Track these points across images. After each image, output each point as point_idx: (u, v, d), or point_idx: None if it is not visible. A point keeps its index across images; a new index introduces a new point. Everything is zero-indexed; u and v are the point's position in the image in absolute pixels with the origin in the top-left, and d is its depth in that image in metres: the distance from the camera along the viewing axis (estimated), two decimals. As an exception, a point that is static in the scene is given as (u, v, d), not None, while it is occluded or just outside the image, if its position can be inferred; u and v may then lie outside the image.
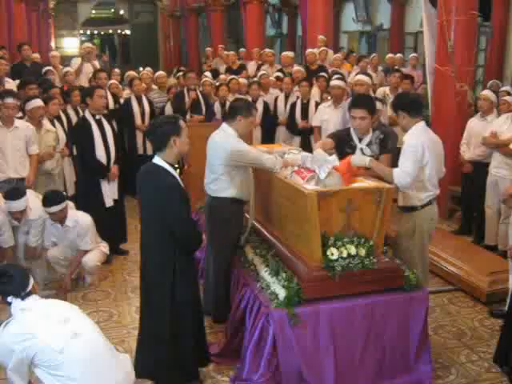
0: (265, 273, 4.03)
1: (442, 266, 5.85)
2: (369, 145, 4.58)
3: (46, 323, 3.12)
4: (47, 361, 3.06)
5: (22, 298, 3.19)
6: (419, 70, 10.67)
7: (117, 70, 10.36)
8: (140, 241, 3.84)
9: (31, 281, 3.30)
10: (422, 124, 4.39)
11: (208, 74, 10.24)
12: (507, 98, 6.64)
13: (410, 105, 4.41)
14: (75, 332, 3.16)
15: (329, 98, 7.43)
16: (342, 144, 4.64)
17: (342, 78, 7.96)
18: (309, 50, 10.33)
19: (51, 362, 3.06)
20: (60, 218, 5.36)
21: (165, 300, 3.69)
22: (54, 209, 5.24)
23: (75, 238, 5.48)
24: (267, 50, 11.96)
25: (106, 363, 3.27)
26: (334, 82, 7.37)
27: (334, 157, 4.05)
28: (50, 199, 5.28)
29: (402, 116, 4.40)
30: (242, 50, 13.02)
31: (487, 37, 11.72)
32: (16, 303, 3.17)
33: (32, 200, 5.33)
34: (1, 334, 3.11)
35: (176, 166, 3.81)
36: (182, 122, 3.65)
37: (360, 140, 4.61)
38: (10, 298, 3.16)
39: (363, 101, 4.65)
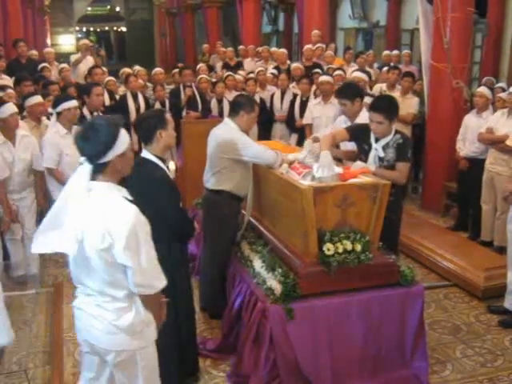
0: (261, 268, 4.04)
1: (437, 261, 5.87)
2: (385, 147, 4.41)
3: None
4: None
5: (95, 170, 2.58)
6: (413, 65, 10.67)
7: (103, 68, 10.20)
8: None
9: (117, 149, 2.59)
10: None
11: (202, 65, 10.22)
12: (502, 94, 6.66)
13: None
14: None
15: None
16: (361, 139, 4.56)
17: (341, 73, 8.01)
18: (307, 47, 10.32)
19: None
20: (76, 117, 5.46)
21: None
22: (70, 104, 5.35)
23: None
24: (261, 47, 12.00)
25: None
26: (323, 78, 7.35)
27: (340, 169, 4.06)
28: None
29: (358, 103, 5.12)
30: (241, 47, 13.01)
31: (483, 34, 11.73)
32: (82, 170, 2.58)
33: None
34: None
35: (172, 162, 3.83)
36: (167, 116, 3.68)
37: (377, 140, 4.46)
38: (82, 159, 2.59)
39: (382, 105, 4.41)
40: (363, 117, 5.00)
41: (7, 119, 5.20)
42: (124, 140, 2.62)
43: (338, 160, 4.73)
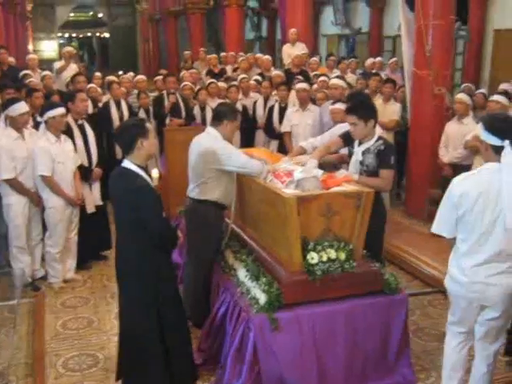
0: (245, 278, 4.01)
1: (421, 268, 5.89)
2: (365, 152, 4.39)
3: None
4: None
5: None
6: (398, 73, 10.75)
7: (98, 74, 10.26)
8: (116, 244, 3.82)
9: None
10: None
11: (185, 72, 10.21)
12: (496, 97, 6.61)
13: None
14: None
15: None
16: (350, 144, 4.57)
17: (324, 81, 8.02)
18: (295, 54, 10.33)
19: None
20: (63, 125, 5.49)
21: (146, 302, 3.66)
22: (55, 112, 5.34)
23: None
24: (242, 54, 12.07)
25: None
26: (299, 85, 7.35)
27: (320, 171, 4.09)
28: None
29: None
30: (223, 54, 13.03)
31: (464, 40, 11.85)
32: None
33: None
34: None
35: (156, 170, 3.80)
36: (148, 124, 3.67)
37: (360, 144, 4.45)
38: (506, 143, 3.37)
39: (354, 107, 4.40)
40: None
41: (16, 118, 5.36)
42: None
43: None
